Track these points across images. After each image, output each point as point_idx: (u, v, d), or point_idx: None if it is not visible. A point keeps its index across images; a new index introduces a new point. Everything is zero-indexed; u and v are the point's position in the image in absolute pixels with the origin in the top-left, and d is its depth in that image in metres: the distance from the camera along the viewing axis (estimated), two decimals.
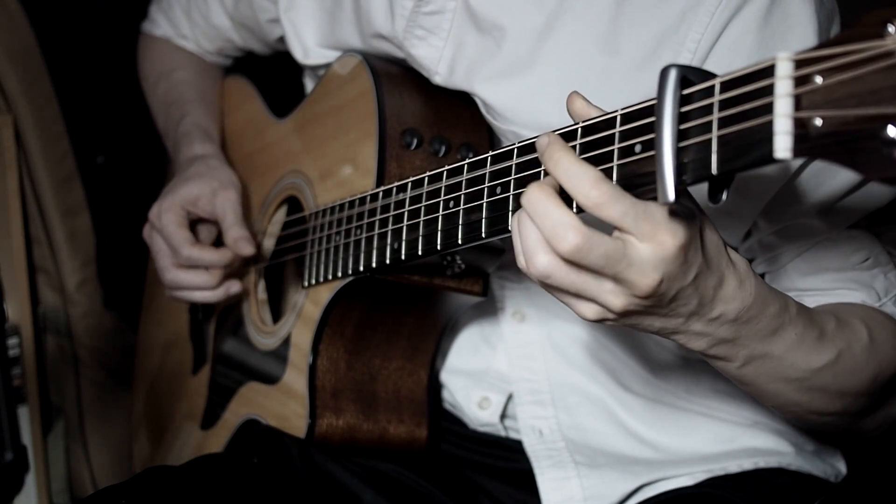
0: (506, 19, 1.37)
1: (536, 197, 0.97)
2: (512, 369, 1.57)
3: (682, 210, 0.97)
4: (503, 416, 1.61)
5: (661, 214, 0.95)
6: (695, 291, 1.02)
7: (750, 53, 1.23)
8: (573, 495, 1.53)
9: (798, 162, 1.23)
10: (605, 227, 0.97)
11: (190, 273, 1.65)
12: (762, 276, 1.40)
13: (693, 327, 1.06)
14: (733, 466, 1.51)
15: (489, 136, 1.49)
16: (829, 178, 1.27)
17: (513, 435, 1.62)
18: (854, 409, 1.27)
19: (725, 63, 1.24)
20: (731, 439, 1.53)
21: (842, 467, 1.58)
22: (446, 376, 1.65)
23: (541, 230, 0.97)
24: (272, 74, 1.95)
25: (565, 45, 1.34)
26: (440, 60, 1.45)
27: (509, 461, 1.61)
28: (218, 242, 1.73)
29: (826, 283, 1.33)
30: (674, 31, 1.26)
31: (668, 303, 1.01)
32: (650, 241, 0.95)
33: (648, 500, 1.51)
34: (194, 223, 1.69)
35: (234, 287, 1.68)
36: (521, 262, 1.01)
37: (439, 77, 1.46)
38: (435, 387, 1.63)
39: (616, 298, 0.99)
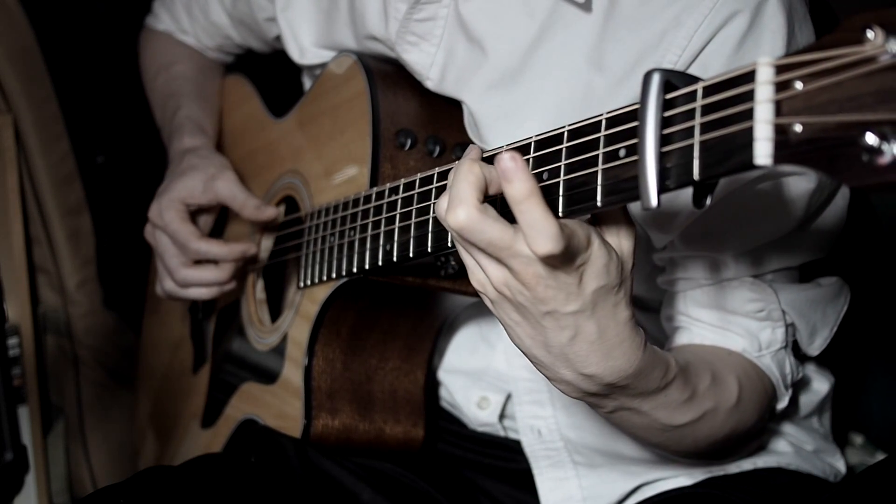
0: (495, 30, 1.39)
1: (463, 169, 0.99)
2: (511, 368, 1.56)
3: (606, 251, 1.00)
4: (502, 416, 1.61)
5: (552, 228, 0.95)
6: (570, 326, 1.04)
7: None
8: (572, 495, 1.52)
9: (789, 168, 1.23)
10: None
11: (200, 270, 1.65)
12: (664, 291, 1.44)
13: (563, 373, 1.09)
14: (732, 467, 1.50)
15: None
16: (752, 225, 1.31)
17: (512, 435, 1.62)
18: (702, 452, 1.35)
19: None
20: None
21: (841, 467, 1.57)
22: (444, 375, 1.65)
23: (448, 197, 0.99)
24: (272, 73, 1.95)
25: (554, 56, 1.35)
26: (432, 66, 1.46)
27: (508, 461, 1.61)
28: (215, 234, 1.73)
29: (716, 320, 1.37)
30: (653, 50, 1.27)
31: (542, 317, 1.03)
32: (535, 240, 0.96)
33: (647, 499, 1.51)
34: (193, 215, 1.69)
35: (230, 283, 1.68)
36: (441, 209, 1.02)
37: (431, 82, 1.47)
38: (432, 387, 1.63)
39: (499, 275, 1.02)
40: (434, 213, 1.04)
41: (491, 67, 1.39)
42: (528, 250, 0.97)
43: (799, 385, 1.54)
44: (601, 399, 1.14)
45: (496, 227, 0.97)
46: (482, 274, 1.05)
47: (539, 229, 0.94)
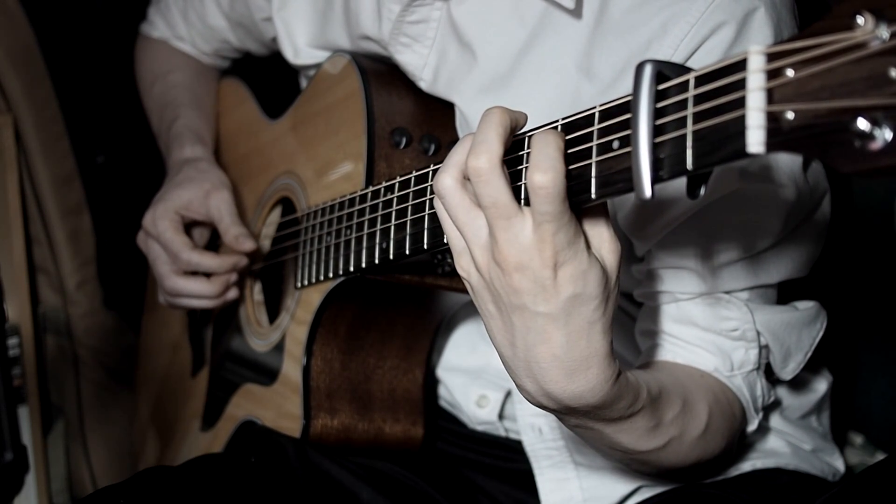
0: (485, 35, 1.39)
1: (492, 115, 1.00)
2: None
3: (594, 261, 1.00)
4: (501, 416, 1.61)
5: (563, 237, 0.97)
6: (538, 329, 1.03)
7: None
8: (573, 496, 1.52)
9: (781, 157, 1.22)
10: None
11: (190, 281, 1.65)
12: (639, 305, 1.43)
13: (526, 383, 1.08)
14: (731, 469, 1.49)
15: None
16: (727, 238, 1.30)
17: (512, 435, 1.61)
18: (665, 473, 1.36)
19: None
20: None
21: (840, 466, 1.57)
22: (443, 374, 1.64)
23: (473, 141, 0.99)
24: (268, 76, 1.96)
25: (545, 62, 1.35)
26: (424, 67, 1.47)
27: (508, 461, 1.61)
28: (211, 246, 1.73)
29: (690, 337, 1.35)
30: (640, 57, 1.26)
31: (514, 310, 1.03)
32: (536, 235, 0.97)
33: (647, 500, 1.50)
34: (188, 227, 1.70)
35: (231, 293, 1.68)
36: (441, 170, 1.04)
37: (424, 83, 1.48)
38: (431, 385, 1.63)
39: (480, 252, 1.02)
40: (438, 174, 1.03)
41: (481, 71, 1.40)
42: (522, 226, 0.97)
43: (797, 384, 1.53)
44: (561, 415, 1.14)
45: (508, 189, 0.98)
46: (468, 257, 1.05)
47: (548, 159, 0.95)
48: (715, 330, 1.34)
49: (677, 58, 1.24)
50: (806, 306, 1.41)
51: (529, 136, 1.04)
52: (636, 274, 1.40)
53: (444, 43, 1.44)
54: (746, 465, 1.49)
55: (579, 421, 1.15)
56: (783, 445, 1.51)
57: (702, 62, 1.22)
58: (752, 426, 1.40)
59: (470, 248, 1.03)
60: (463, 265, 1.06)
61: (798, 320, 1.39)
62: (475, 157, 0.97)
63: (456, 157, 1.02)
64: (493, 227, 0.99)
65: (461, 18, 1.41)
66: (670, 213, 1.29)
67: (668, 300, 1.36)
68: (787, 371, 1.41)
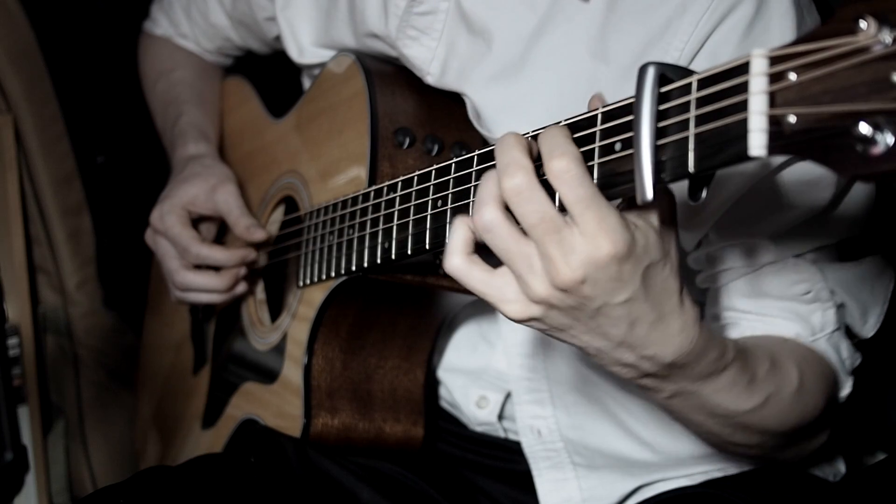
0: (497, 22, 1.38)
1: (508, 139, 0.98)
2: (511, 368, 1.56)
3: (642, 232, 0.97)
4: (501, 417, 1.61)
5: (612, 220, 0.94)
6: (625, 315, 1.00)
7: None
8: (571, 496, 1.52)
9: (779, 159, 1.23)
10: None
11: (200, 275, 1.66)
12: (705, 291, 1.41)
13: (623, 357, 1.06)
14: (732, 467, 1.50)
15: (482, 135, 1.49)
16: (785, 205, 1.28)
17: (511, 436, 1.62)
18: (771, 445, 1.30)
19: None
20: None
21: (841, 467, 1.57)
22: (444, 374, 1.65)
23: (497, 165, 0.97)
24: (271, 74, 1.96)
25: (556, 49, 1.34)
26: (432, 60, 1.46)
27: (508, 462, 1.61)
28: (218, 241, 1.73)
29: (765, 308, 1.33)
30: (659, 39, 1.27)
31: (594, 314, 1.00)
32: (587, 237, 0.94)
33: (647, 500, 1.51)
34: (195, 223, 1.70)
35: (240, 287, 1.68)
36: (476, 205, 1.00)
37: (431, 77, 1.47)
38: (432, 385, 1.63)
39: (539, 282, 0.98)
40: (474, 211, 1.00)
41: (493, 59, 1.39)
42: (572, 236, 0.95)
43: None
44: (660, 381, 1.10)
45: (550, 200, 0.96)
46: (522, 302, 1.02)
47: (559, 145, 0.95)
48: (788, 296, 1.32)
49: (697, 36, 1.24)
50: (870, 259, 1.39)
51: (534, 137, 1.03)
52: (694, 264, 1.39)
53: (453, 34, 1.43)
54: (747, 464, 1.50)
55: (678, 385, 1.11)
56: None
57: (724, 40, 1.23)
58: (845, 390, 1.37)
59: (526, 280, 0.99)
60: (518, 311, 1.03)
61: (868, 273, 1.38)
62: (510, 177, 0.95)
63: (486, 190, 0.99)
64: (546, 247, 0.96)
65: (471, 7, 1.40)
66: (721, 197, 1.28)
67: (734, 277, 1.35)
68: (869, 327, 1.39)
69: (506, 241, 0.98)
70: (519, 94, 1.37)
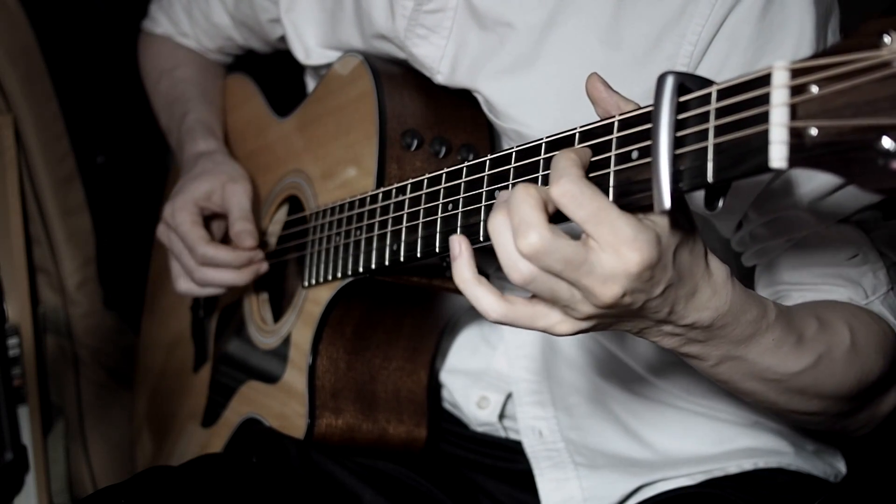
0: (508, 15, 1.37)
1: (518, 195, 0.96)
2: (512, 369, 1.57)
3: (659, 225, 0.97)
4: (502, 416, 1.62)
5: (629, 229, 0.94)
6: (664, 302, 1.01)
7: (748, 45, 1.24)
8: (573, 496, 1.53)
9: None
10: None
11: (218, 271, 1.63)
12: (752, 268, 1.40)
13: (665, 329, 1.06)
14: (733, 467, 1.51)
15: (490, 137, 1.49)
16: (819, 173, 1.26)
17: (512, 436, 1.62)
18: (835, 411, 1.26)
19: (724, 54, 1.25)
20: (731, 439, 1.53)
21: (841, 467, 1.58)
22: (446, 376, 1.65)
23: (511, 224, 0.97)
24: (274, 72, 1.95)
25: (568, 40, 1.33)
26: (442, 59, 1.45)
27: (509, 462, 1.62)
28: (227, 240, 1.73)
29: (813, 277, 1.32)
30: (675, 23, 1.26)
31: (638, 311, 1.01)
32: (612, 252, 0.94)
33: (647, 500, 1.51)
34: (208, 220, 1.68)
35: (263, 266, 1.65)
36: (505, 268, 0.99)
37: (441, 76, 1.46)
38: (435, 387, 1.63)
39: (583, 307, 0.99)
40: (508, 269, 0.99)
41: (505, 53, 1.38)
42: (598, 261, 0.95)
43: None
44: (703, 347, 1.10)
45: (569, 243, 0.95)
46: (567, 319, 1.02)
47: (556, 171, 0.94)
48: (835, 262, 1.31)
49: (714, 18, 1.24)
50: None
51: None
52: (737, 245, 1.38)
53: (463, 31, 1.42)
54: (748, 464, 1.51)
55: (722, 350, 1.10)
56: (785, 445, 1.53)
57: (743, 20, 1.22)
58: None
59: (572, 307, 1.00)
60: (568, 329, 1.03)
61: None
62: (523, 239, 0.94)
63: (507, 250, 0.98)
64: (580, 280, 0.96)
65: (481, 2, 1.39)
66: (747, 188, 1.28)
67: (779, 251, 1.34)
68: None
69: (544, 285, 0.98)
70: (532, 86, 1.36)
